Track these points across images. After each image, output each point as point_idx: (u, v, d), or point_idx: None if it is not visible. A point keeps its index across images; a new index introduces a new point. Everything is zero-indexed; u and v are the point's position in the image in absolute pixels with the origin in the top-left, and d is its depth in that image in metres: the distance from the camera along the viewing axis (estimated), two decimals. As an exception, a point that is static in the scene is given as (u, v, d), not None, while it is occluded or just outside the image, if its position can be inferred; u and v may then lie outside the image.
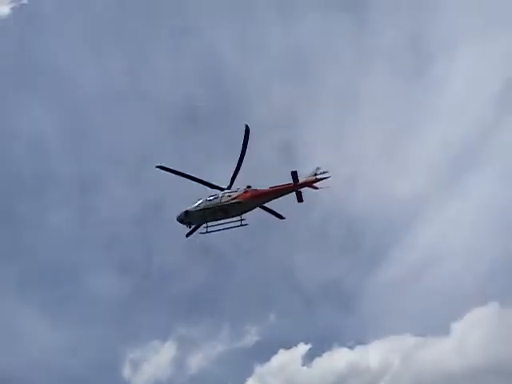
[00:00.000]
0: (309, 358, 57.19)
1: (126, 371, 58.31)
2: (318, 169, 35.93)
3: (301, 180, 34.88)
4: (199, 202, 36.72)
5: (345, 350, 56.53)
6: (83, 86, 64.51)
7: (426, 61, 64.68)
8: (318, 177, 35.19)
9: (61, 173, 64.07)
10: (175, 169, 36.02)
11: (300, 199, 36.04)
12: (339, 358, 55.52)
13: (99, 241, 64.90)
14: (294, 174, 34.56)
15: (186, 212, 36.64)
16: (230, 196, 35.93)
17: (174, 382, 58.81)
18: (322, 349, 57.12)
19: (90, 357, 56.56)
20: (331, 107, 65.61)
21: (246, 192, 36.14)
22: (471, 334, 51.63)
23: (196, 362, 59.24)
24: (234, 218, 36.34)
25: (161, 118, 67.05)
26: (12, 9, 65.00)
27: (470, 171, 60.19)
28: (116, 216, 64.63)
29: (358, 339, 56.99)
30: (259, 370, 57.24)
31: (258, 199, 35.66)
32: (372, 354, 54.96)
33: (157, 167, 35.89)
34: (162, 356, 59.17)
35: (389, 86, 65.38)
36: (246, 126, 35.47)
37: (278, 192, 35.52)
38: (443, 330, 53.42)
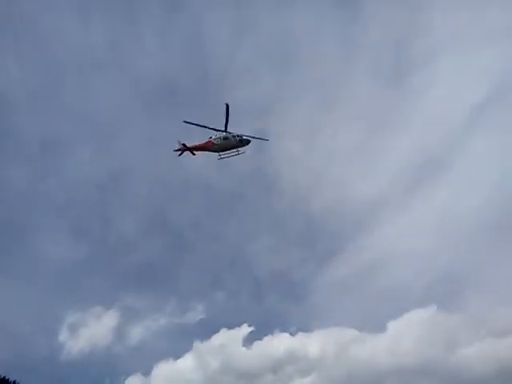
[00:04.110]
0: (250, 339, 62.16)
1: (63, 334, 62.15)
2: None
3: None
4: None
5: (286, 335, 61.93)
6: (64, 48, 67.80)
7: (408, 67, 70.27)
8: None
9: (26, 129, 68.01)
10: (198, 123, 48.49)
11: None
12: (279, 343, 60.98)
13: (58, 202, 69.32)
14: None
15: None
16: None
17: (111, 349, 62.98)
18: (264, 332, 62.54)
19: (29, 316, 60.36)
20: (310, 101, 71.00)
21: None
22: (406, 334, 57.28)
23: (137, 332, 63.95)
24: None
25: (138, 91, 71.74)
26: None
27: (434, 181, 66.10)
28: (78, 180, 69.53)
29: (300, 327, 62.34)
30: (198, 346, 62.26)
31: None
32: (312, 343, 60.51)
33: (184, 122, 47.64)
34: (102, 323, 63.44)
35: (369, 87, 70.83)
36: (226, 104, 47.76)
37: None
38: (379, 328, 59.17)
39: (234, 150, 50.26)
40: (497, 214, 61.63)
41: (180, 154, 50.51)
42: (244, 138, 50.10)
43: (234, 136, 50.20)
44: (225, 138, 49.94)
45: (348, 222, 66.30)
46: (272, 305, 65.33)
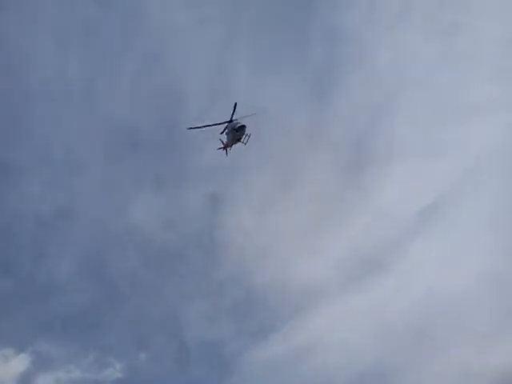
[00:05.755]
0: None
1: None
2: None
3: None
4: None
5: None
6: (36, 75, 68.05)
7: (365, 164, 75.09)
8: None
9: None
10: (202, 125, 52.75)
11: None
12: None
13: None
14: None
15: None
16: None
17: (14, 397, 58.37)
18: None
19: None
20: (268, 174, 73.83)
21: None
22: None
23: (45, 382, 60.20)
24: None
25: (103, 133, 72.07)
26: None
27: (373, 277, 69.19)
28: (19, 211, 67.36)
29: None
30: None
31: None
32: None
33: (188, 129, 51.99)
34: (10, 367, 59.67)
35: (325, 175, 74.82)
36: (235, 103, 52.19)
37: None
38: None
39: (243, 135, 54.21)
40: (425, 317, 65.89)
41: (226, 153, 55.53)
42: (237, 126, 53.76)
43: (232, 128, 54.04)
44: (227, 134, 54.60)
45: (286, 302, 67.67)
46: (196, 375, 63.92)
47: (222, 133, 55.01)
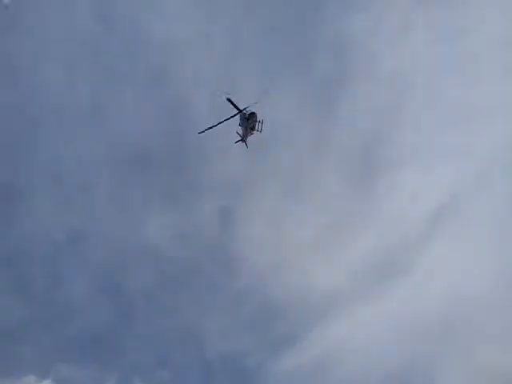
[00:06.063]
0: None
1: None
2: None
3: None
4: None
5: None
6: (46, 100, 68.26)
7: (373, 172, 75.69)
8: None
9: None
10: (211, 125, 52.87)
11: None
12: None
13: (3, 256, 65.90)
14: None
15: None
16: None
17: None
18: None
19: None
20: (280, 187, 74.12)
21: None
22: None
23: (70, 408, 59.39)
24: None
25: (113, 154, 72.15)
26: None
27: (390, 282, 69.57)
28: (32, 234, 66.94)
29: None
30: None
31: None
32: None
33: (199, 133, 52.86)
34: (33, 394, 58.76)
35: (335, 185, 75.31)
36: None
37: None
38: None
39: (256, 123, 53.89)
40: (444, 320, 66.29)
41: (246, 144, 55.05)
42: (247, 114, 53.43)
43: (243, 117, 53.71)
44: (241, 125, 54.30)
45: (304, 312, 67.88)
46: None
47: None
